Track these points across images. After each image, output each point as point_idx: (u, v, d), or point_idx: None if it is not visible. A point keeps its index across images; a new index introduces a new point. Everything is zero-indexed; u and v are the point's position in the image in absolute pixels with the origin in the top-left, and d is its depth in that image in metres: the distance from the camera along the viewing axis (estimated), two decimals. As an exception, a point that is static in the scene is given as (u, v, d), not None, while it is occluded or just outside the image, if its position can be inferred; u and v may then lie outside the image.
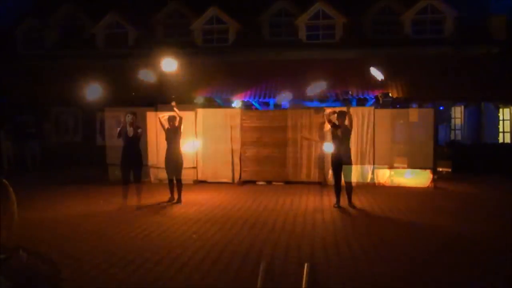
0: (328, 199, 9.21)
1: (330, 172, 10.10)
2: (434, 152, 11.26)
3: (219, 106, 15.72)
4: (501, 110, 16.76)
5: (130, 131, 8.38)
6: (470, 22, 17.51)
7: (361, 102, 15.20)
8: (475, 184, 11.58)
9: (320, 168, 11.58)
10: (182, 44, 17.91)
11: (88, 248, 5.83)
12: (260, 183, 11.85)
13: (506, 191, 10.35)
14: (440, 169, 12.38)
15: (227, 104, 15.98)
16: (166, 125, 9.01)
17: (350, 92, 14.58)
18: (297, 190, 10.56)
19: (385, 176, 11.46)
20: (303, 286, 4.29)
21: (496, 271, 4.99)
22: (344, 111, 8.48)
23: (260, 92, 15.89)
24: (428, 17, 17.93)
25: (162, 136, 9.45)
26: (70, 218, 7.74)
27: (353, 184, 8.77)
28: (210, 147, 11.94)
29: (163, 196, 9.41)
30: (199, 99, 15.60)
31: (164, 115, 9.20)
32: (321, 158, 11.37)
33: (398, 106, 14.75)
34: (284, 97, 8.90)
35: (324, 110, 10.29)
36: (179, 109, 9.02)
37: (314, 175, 11.67)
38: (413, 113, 11.64)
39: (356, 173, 10.60)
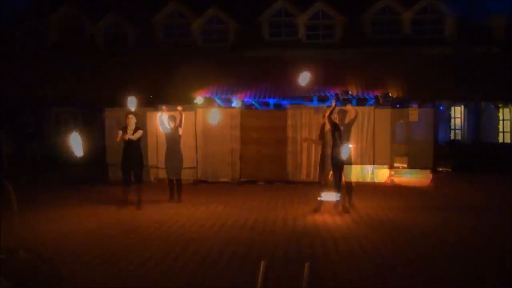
0: (328, 199, 9.19)
1: (331, 172, 10.08)
2: (434, 152, 11.26)
3: (219, 106, 15.71)
4: (501, 110, 16.75)
5: (130, 132, 8.35)
6: (470, 22, 17.53)
7: (361, 102, 15.19)
8: (475, 184, 11.58)
9: (320, 168, 11.55)
10: (182, 44, 17.88)
11: (88, 248, 5.83)
12: (260, 183, 11.86)
13: (506, 191, 10.34)
14: (440, 169, 12.38)
15: (227, 104, 15.98)
16: (167, 125, 8.94)
17: (350, 92, 14.57)
18: (297, 190, 10.56)
19: (385, 175, 11.46)
20: (304, 286, 4.28)
21: (497, 271, 4.98)
22: (344, 109, 8.49)
23: (260, 92, 15.89)
24: (428, 17, 17.94)
25: (162, 136, 9.45)
26: (70, 218, 7.74)
27: (353, 184, 8.77)
28: (210, 147, 11.94)
29: (163, 196, 9.41)
30: (199, 99, 15.60)
31: (164, 113, 9.13)
32: (322, 158, 11.33)
33: (398, 106, 14.75)
34: (306, 77, 8.89)
35: (324, 110, 10.26)
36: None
37: (314, 175, 11.66)
38: (413, 113, 11.65)
39: (356, 173, 10.58)
